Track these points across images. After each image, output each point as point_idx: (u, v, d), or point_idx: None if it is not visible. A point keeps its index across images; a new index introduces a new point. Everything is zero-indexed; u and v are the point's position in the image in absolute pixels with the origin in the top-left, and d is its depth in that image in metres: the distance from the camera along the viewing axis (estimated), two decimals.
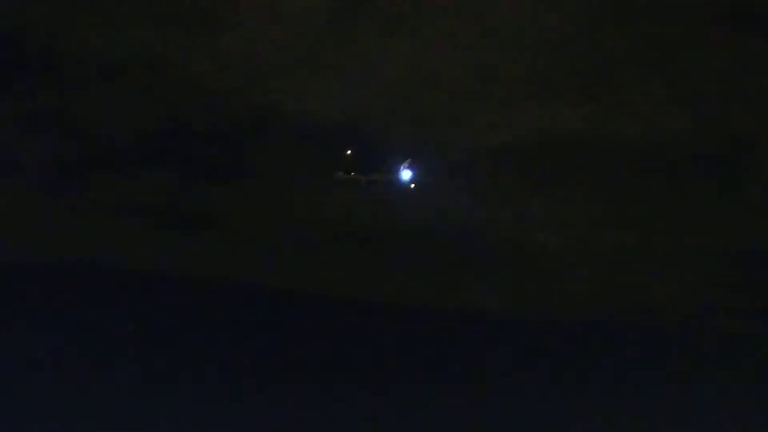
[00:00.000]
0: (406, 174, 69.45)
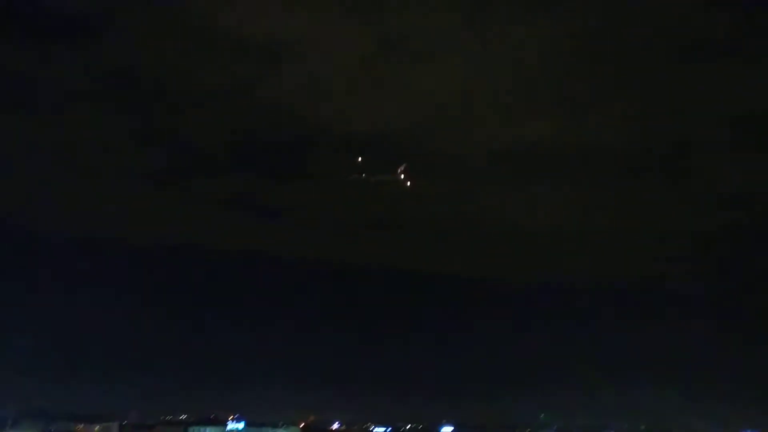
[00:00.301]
0: (403, 175, 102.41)
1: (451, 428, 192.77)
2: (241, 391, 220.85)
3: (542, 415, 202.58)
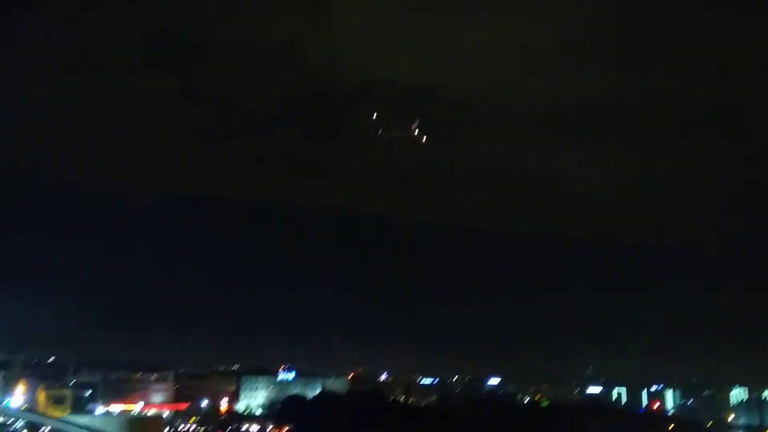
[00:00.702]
0: (416, 132, 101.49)
1: (498, 380, 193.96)
2: (291, 343, 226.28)
3: (590, 369, 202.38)
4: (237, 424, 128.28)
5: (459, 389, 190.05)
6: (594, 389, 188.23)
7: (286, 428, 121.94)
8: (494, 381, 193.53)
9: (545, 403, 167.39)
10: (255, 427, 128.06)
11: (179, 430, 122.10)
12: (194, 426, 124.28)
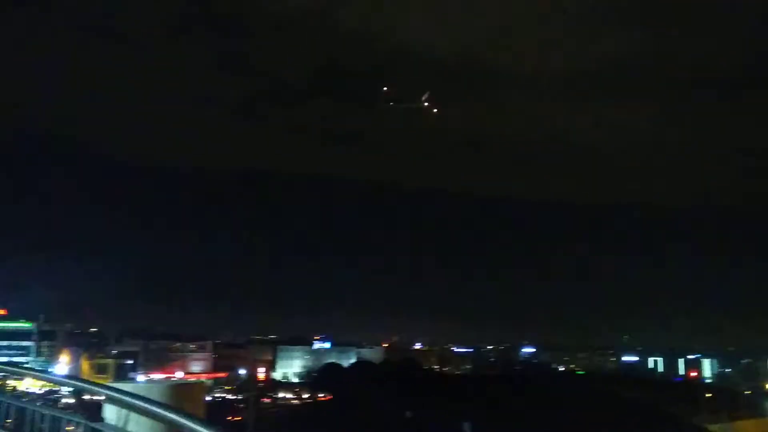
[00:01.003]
0: (426, 102, 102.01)
1: (533, 349, 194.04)
2: (327, 314, 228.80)
3: (625, 338, 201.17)
4: (275, 392, 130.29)
5: (493, 358, 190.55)
6: (630, 358, 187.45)
7: (324, 396, 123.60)
8: (529, 350, 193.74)
9: (581, 372, 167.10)
10: (292, 394, 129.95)
11: (219, 397, 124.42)
12: (233, 394, 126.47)
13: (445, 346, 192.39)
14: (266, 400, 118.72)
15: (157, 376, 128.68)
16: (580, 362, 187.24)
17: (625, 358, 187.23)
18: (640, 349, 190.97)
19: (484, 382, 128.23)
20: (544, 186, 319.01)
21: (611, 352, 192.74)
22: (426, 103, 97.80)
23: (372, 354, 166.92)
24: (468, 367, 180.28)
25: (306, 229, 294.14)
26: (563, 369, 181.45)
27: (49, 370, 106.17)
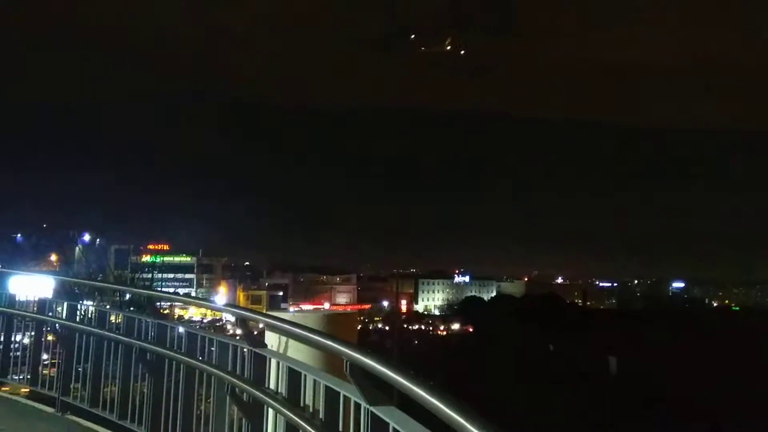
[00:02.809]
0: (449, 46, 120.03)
1: (683, 283, 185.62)
2: (467, 248, 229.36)
3: None
4: (419, 323, 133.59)
5: (640, 293, 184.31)
6: None
7: (466, 327, 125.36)
8: (678, 284, 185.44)
9: (736, 308, 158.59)
10: (435, 325, 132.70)
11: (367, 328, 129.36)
12: (380, 325, 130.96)
13: (589, 280, 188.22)
14: (410, 330, 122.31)
15: (306, 306, 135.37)
16: (736, 298, 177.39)
17: None
18: None
19: (630, 318, 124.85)
20: (704, 113, 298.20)
21: None
22: (449, 47, 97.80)
23: (512, 288, 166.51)
24: (613, 301, 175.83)
25: (444, 163, 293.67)
26: (717, 305, 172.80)
27: (212, 299, 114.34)
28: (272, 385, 5.58)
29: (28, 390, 9.73)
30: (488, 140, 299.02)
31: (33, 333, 9.58)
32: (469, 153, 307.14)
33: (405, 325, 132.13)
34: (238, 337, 6.38)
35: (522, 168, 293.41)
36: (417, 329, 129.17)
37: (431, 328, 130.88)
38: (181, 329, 7.32)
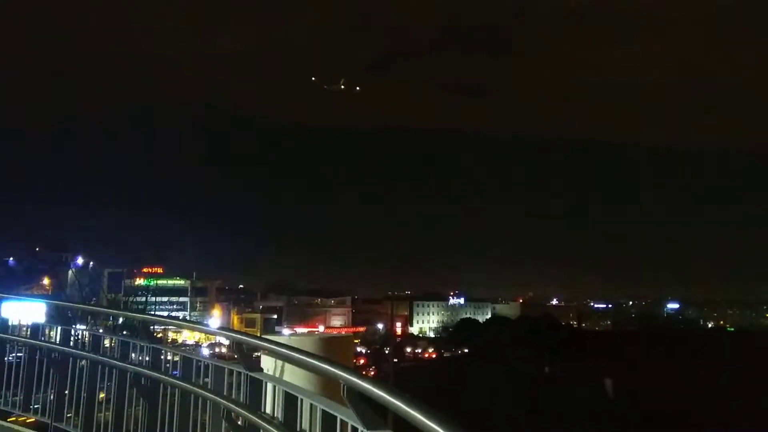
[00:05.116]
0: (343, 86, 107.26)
1: (678, 304, 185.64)
2: (462, 270, 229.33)
3: None
4: (413, 346, 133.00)
5: (635, 314, 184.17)
6: None
7: (460, 350, 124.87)
8: (673, 305, 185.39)
9: (731, 329, 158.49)
10: (429, 348, 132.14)
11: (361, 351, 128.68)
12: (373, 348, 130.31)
13: (583, 302, 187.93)
14: (403, 354, 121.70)
15: (300, 329, 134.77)
16: (730, 319, 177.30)
17: None
18: None
19: (625, 339, 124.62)
20: (699, 131, 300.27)
21: (766, 307, 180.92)
22: (343, 87, 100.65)
23: (507, 309, 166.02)
24: (608, 323, 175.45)
25: (438, 184, 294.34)
26: (711, 325, 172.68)
27: (205, 323, 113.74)
28: (269, 410, 5.54)
29: (22, 419, 9.63)
30: (485, 162, 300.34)
31: (26, 357, 9.50)
32: (466, 175, 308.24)
33: (400, 347, 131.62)
34: (234, 361, 6.35)
35: (517, 189, 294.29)
36: (411, 351, 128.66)
37: (425, 351, 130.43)
38: (176, 357, 7.27)
